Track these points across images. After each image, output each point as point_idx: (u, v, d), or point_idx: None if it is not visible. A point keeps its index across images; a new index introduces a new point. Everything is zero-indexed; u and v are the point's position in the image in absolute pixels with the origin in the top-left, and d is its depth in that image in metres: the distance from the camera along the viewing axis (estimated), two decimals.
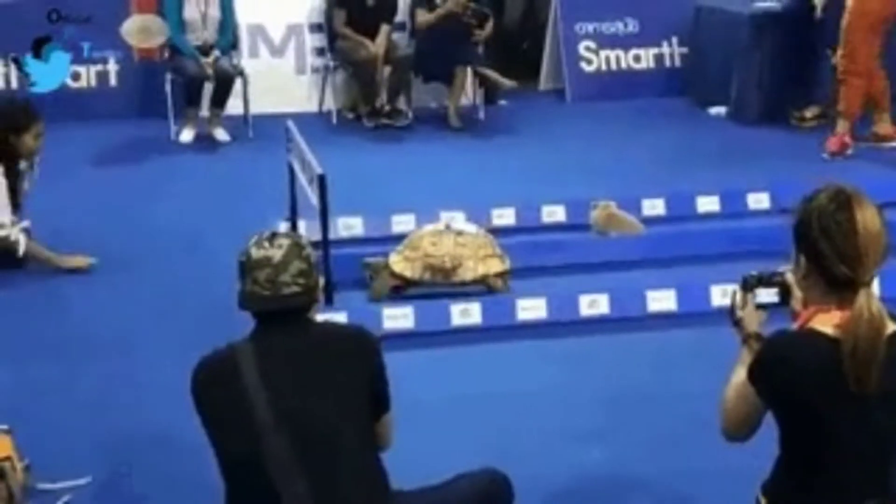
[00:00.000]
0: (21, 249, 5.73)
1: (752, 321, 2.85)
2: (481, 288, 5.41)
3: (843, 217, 2.54)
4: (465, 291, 5.36)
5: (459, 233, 5.52)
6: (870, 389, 2.45)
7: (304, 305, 2.90)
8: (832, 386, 2.47)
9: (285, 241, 2.89)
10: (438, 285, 5.39)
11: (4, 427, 3.59)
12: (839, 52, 7.87)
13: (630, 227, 6.15)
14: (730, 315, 2.91)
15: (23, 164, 5.86)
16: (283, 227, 6.10)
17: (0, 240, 5.70)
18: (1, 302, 5.51)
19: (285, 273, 2.84)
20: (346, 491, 2.76)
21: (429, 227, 5.63)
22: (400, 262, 5.43)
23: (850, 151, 7.88)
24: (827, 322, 2.53)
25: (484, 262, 5.44)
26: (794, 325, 2.70)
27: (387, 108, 8.94)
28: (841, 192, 2.60)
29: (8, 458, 3.50)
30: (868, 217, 2.54)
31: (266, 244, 2.87)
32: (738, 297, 2.90)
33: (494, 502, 3.10)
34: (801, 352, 2.52)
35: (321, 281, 2.98)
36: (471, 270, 5.40)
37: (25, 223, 5.86)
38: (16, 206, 5.83)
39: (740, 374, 2.69)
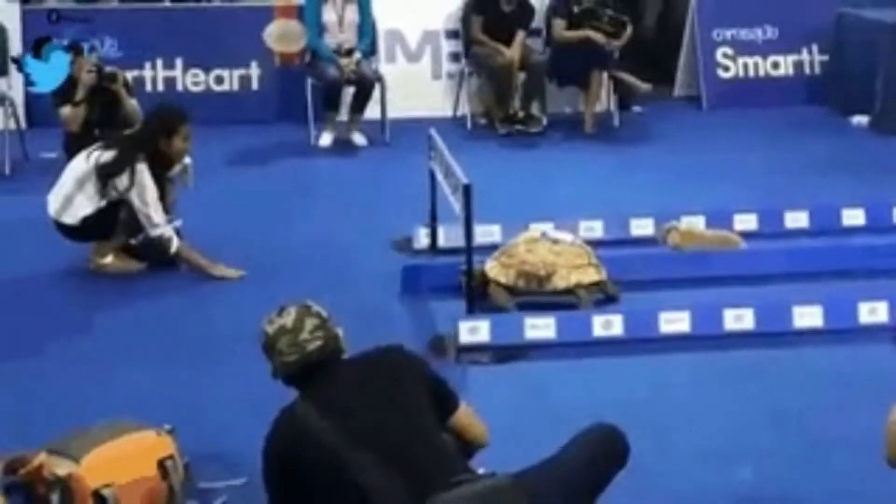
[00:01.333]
0: (173, 247, 5.87)
1: None
2: (570, 299, 5.34)
3: None
4: (558, 302, 5.32)
5: (555, 241, 5.51)
6: None
7: (333, 354, 3.12)
8: None
9: (292, 308, 3.15)
10: (532, 293, 5.36)
11: (168, 426, 3.70)
12: None
13: (715, 241, 5.99)
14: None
15: (177, 168, 6.04)
16: (423, 233, 6.19)
17: (154, 238, 5.87)
18: (151, 305, 5.66)
19: (303, 332, 3.09)
20: (434, 474, 2.90)
21: (525, 235, 5.64)
22: (495, 268, 5.44)
23: None
24: None
25: (578, 270, 5.40)
26: None
27: (521, 114, 8.96)
28: None
29: (171, 457, 3.62)
30: None
31: (276, 318, 3.14)
32: None
33: (614, 453, 3.13)
34: None
35: (341, 332, 3.19)
36: (564, 279, 5.37)
37: (178, 222, 6.02)
38: (165, 208, 5.97)
39: None
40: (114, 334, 5.25)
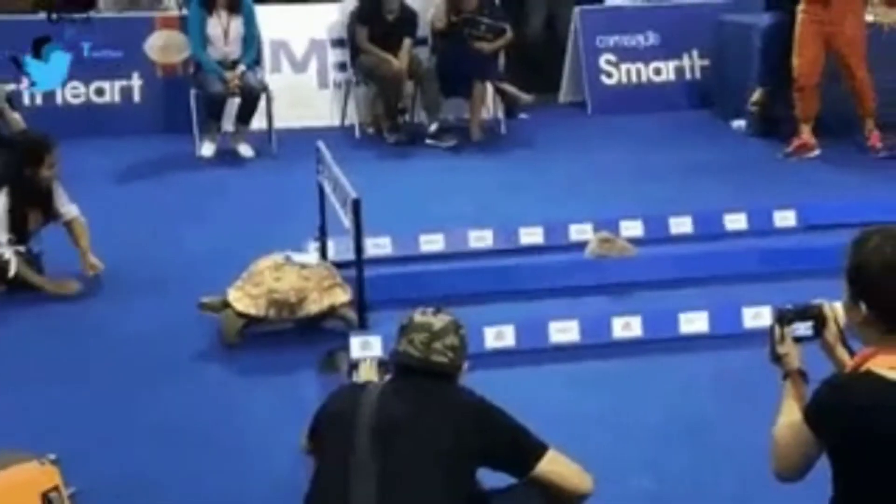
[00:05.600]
0: (12, 270, 5.77)
1: (794, 357, 2.82)
2: (329, 321, 5.28)
3: None
4: (314, 326, 5.27)
5: (303, 265, 5.34)
6: None
7: (440, 375, 3.08)
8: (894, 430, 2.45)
9: (447, 317, 3.15)
10: (285, 321, 5.22)
11: (52, 456, 3.57)
12: None
13: (623, 250, 6.08)
14: (770, 352, 2.87)
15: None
16: (313, 247, 6.13)
17: None
18: (28, 327, 5.53)
19: (439, 341, 3.08)
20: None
21: (267, 262, 5.41)
22: (243, 300, 5.22)
23: None
24: (886, 364, 2.51)
25: (329, 292, 5.29)
26: (847, 366, 2.70)
27: (432, 129, 8.87)
28: (894, 234, 2.60)
29: (55, 489, 3.50)
30: None
31: (430, 313, 3.14)
32: (776, 332, 2.86)
33: None
34: (864, 396, 2.49)
35: (465, 366, 3.16)
36: (316, 303, 5.23)
37: (21, 248, 5.89)
38: (24, 233, 5.90)
39: (793, 414, 2.67)
40: None
